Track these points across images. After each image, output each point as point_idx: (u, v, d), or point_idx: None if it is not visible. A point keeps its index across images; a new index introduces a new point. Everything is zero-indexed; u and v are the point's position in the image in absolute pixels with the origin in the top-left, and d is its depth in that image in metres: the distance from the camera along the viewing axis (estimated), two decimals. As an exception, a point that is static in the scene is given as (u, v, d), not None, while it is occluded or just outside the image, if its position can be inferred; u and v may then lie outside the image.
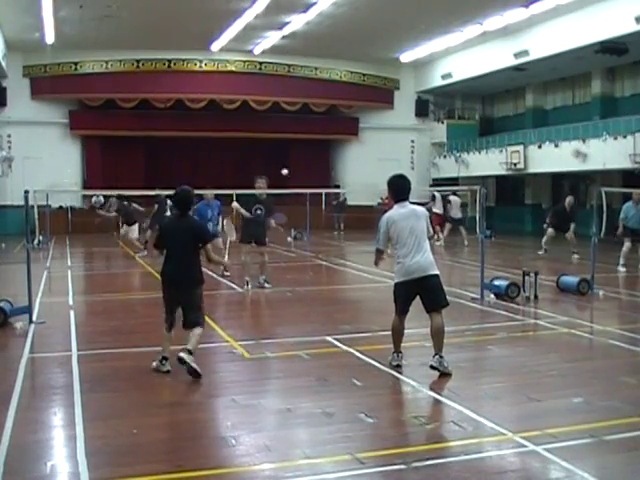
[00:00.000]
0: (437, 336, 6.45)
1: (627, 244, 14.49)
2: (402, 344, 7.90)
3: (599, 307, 10.63)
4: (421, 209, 6.70)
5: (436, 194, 21.99)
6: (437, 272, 6.49)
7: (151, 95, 28.50)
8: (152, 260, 17.02)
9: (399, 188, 6.62)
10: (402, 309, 6.62)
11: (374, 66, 30.70)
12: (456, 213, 21.40)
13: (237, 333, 8.30)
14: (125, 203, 18.73)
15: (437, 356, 6.37)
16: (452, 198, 21.62)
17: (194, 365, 6.24)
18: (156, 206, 19.12)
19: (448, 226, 21.36)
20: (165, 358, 6.52)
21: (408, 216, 6.46)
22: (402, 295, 6.55)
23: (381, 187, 25.05)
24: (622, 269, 14.12)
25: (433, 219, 22.18)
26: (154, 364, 6.53)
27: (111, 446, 4.71)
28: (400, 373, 6.49)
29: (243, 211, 11.95)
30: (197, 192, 13.98)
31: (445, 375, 6.31)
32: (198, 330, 6.52)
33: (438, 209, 21.63)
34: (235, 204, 12.29)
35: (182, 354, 6.25)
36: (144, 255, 17.58)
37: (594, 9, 21.01)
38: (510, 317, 9.41)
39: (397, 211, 6.53)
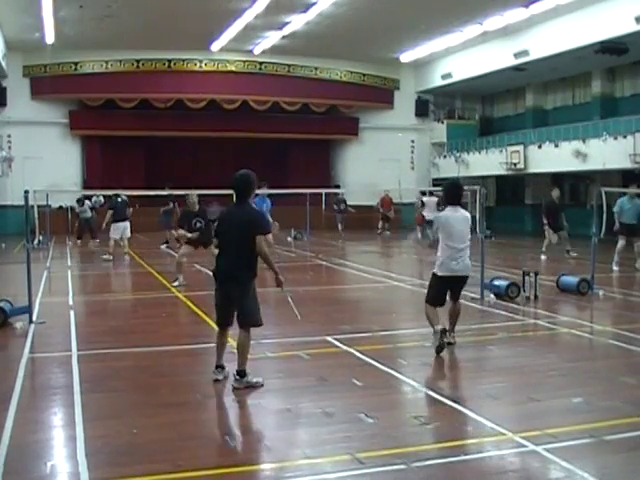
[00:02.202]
0: (454, 317, 7.60)
1: (621, 242, 14.50)
2: (402, 344, 7.91)
3: (599, 307, 10.63)
4: (468, 215, 7.54)
5: (424, 199, 21.81)
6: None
7: (151, 95, 28.49)
8: (152, 260, 17.06)
9: (452, 194, 7.57)
10: (435, 300, 7.45)
11: (374, 66, 30.70)
12: (428, 214, 20.58)
13: (237, 333, 8.27)
14: (119, 199, 17.64)
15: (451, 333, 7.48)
16: (426, 199, 21.34)
17: (254, 382, 5.97)
18: (171, 205, 19.11)
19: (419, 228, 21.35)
20: (219, 367, 6.17)
21: (460, 220, 7.36)
22: (438, 287, 7.40)
23: (381, 187, 25.15)
24: (615, 267, 14.15)
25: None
26: (212, 375, 6.18)
27: (111, 446, 4.71)
28: (401, 373, 6.48)
29: (190, 235, 12.33)
30: (199, 192, 14.17)
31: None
32: (247, 336, 6.10)
33: (428, 213, 21.52)
34: (181, 232, 12.54)
35: (234, 384, 5.96)
36: (109, 259, 16.82)
37: (594, 9, 21.00)
38: (510, 317, 9.41)
39: (451, 214, 7.41)
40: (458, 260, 7.23)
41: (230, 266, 6.03)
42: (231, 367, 6.17)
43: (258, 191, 12.10)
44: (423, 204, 21.64)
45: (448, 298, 7.46)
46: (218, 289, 6.14)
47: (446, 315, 7.54)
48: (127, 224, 17.54)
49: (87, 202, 21.48)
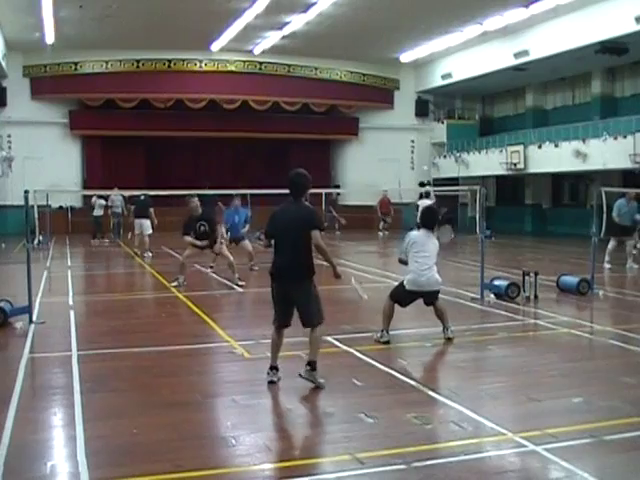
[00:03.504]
0: (440, 316, 7.98)
1: (613, 242, 14.60)
2: (402, 344, 7.91)
3: (599, 307, 10.63)
4: (437, 244, 7.99)
5: (419, 203, 21.47)
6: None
7: (151, 95, 28.49)
8: (153, 260, 17.07)
9: (427, 218, 8.15)
10: (398, 301, 8.07)
11: (374, 66, 30.69)
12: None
13: (237, 333, 8.30)
14: (142, 197, 18.50)
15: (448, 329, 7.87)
16: (420, 202, 20.69)
17: (318, 382, 5.94)
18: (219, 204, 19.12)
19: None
20: (274, 368, 6.13)
21: (430, 244, 7.85)
22: (404, 295, 7.93)
23: (381, 187, 25.13)
24: (607, 265, 14.19)
25: None
26: (267, 377, 6.11)
27: (111, 446, 4.71)
28: (401, 373, 6.48)
29: (199, 244, 12.48)
30: (198, 193, 14.18)
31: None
32: (317, 332, 6.09)
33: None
34: (188, 239, 12.54)
35: (302, 372, 5.98)
36: (150, 257, 17.51)
37: (594, 9, 21.00)
38: (510, 317, 9.41)
39: (423, 235, 7.89)
40: (426, 276, 7.66)
41: (288, 265, 6.02)
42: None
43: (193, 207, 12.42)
44: (417, 208, 21.31)
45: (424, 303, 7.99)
46: (276, 289, 6.14)
47: (429, 339, 7.90)
48: (143, 221, 18.16)
49: (101, 201, 21.95)
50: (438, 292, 7.95)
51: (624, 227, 14.46)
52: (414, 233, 8.03)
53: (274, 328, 6.23)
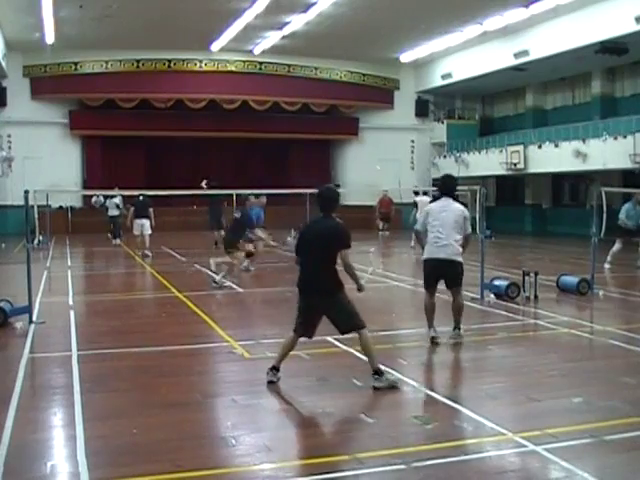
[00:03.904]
0: (455, 311, 7.82)
1: (618, 245, 14.58)
2: (402, 344, 7.90)
3: (599, 307, 10.63)
4: (461, 208, 7.81)
5: (417, 199, 21.50)
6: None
7: (151, 95, 28.50)
8: (153, 260, 17.06)
9: (445, 185, 7.95)
10: (426, 284, 7.96)
11: (374, 66, 30.70)
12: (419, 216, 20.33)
13: (237, 333, 8.30)
14: (140, 197, 18.56)
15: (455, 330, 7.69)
16: (419, 198, 20.55)
17: (392, 382, 5.95)
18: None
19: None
20: (275, 368, 6.10)
21: (448, 211, 7.65)
22: (426, 270, 7.91)
23: (381, 187, 25.15)
24: (607, 266, 14.18)
25: None
26: (267, 376, 6.09)
27: (111, 446, 4.71)
28: (401, 373, 6.48)
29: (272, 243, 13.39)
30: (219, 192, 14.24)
31: (456, 373, 6.53)
32: (362, 338, 6.05)
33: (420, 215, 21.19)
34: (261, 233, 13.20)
35: (374, 384, 5.91)
36: (149, 257, 17.48)
37: (594, 9, 21.01)
38: (510, 317, 9.41)
39: (441, 203, 7.79)
40: (440, 246, 7.50)
41: (315, 280, 6.04)
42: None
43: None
44: (416, 205, 21.33)
45: (449, 294, 7.82)
46: (303, 302, 6.12)
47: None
48: (144, 221, 18.24)
49: (115, 200, 22.09)
50: (459, 271, 7.62)
51: (630, 230, 14.51)
52: (432, 204, 7.95)
53: (292, 334, 6.16)
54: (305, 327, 6.12)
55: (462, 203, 7.81)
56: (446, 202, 7.72)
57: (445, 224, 7.51)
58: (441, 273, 7.66)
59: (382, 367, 6.04)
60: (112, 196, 22.14)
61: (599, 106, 25.87)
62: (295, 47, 26.93)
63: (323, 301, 6.02)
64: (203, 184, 19.16)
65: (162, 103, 28.60)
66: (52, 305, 10.56)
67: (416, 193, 22.11)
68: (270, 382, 6.04)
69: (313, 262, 6.05)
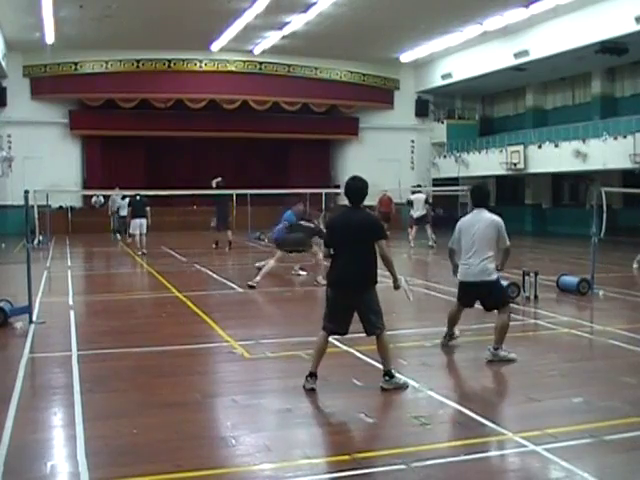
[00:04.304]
0: (496, 330, 7.14)
1: None
2: (402, 344, 7.89)
3: (599, 307, 10.63)
4: (492, 218, 7.13)
5: (412, 198, 21.79)
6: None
7: (151, 95, 28.49)
8: (153, 260, 17.07)
9: (476, 196, 7.39)
10: (459, 299, 7.51)
11: (374, 66, 30.69)
12: (415, 212, 20.62)
13: (237, 333, 8.30)
14: (137, 197, 18.86)
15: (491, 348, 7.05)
16: (414, 197, 21.15)
17: (401, 384, 5.94)
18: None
19: (415, 227, 20.85)
20: (313, 375, 5.89)
21: (476, 223, 7.07)
22: (459, 288, 7.44)
23: (381, 187, 25.25)
24: (635, 265, 14.20)
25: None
26: (306, 384, 5.90)
27: (111, 446, 4.71)
28: (401, 373, 6.48)
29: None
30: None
31: (456, 373, 6.53)
32: (384, 336, 6.01)
33: (415, 212, 21.61)
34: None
35: (383, 385, 5.91)
36: (143, 255, 17.64)
37: (594, 9, 21.00)
38: (510, 317, 9.39)
39: (470, 217, 7.21)
40: (469, 263, 7.01)
41: (353, 274, 5.89)
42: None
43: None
44: (410, 203, 21.50)
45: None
46: (337, 298, 5.96)
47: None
48: (142, 221, 18.46)
49: (125, 200, 22.19)
50: (492, 291, 7.05)
51: None
52: (463, 218, 7.36)
53: (323, 334, 6.03)
54: (341, 325, 5.98)
55: (498, 213, 7.24)
56: (477, 214, 7.13)
57: (475, 240, 6.98)
58: (475, 296, 7.22)
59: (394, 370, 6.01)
60: (124, 196, 22.22)
61: (599, 106, 25.87)
62: (295, 47, 26.92)
63: (360, 296, 5.89)
64: (213, 183, 19.18)
65: (162, 103, 28.59)
66: (52, 305, 10.55)
67: (413, 192, 22.21)
68: (311, 389, 5.83)
69: (351, 256, 5.88)
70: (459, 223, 7.23)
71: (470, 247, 6.98)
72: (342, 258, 5.94)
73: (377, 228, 5.98)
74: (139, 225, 18.41)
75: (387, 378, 5.93)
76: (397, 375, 6.02)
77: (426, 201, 20.73)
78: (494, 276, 6.99)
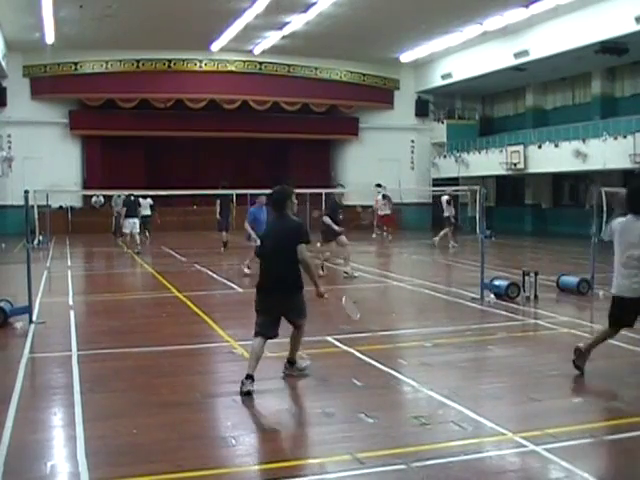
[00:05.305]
0: None
1: None
2: (402, 344, 7.88)
3: (599, 307, 10.58)
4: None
5: (379, 198, 22.36)
6: None
7: (151, 95, 28.49)
8: (153, 260, 17.07)
9: (636, 200, 6.24)
10: (614, 321, 6.31)
11: (374, 66, 30.69)
12: (445, 213, 20.87)
13: (237, 333, 8.29)
14: (132, 197, 19.19)
15: None
16: (442, 198, 21.28)
17: (302, 367, 6.36)
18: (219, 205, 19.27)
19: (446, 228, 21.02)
20: (250, 377, 5.84)
21: (634, 230, 6.11)
22: (613, 307, 6.30)
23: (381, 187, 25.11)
24: None
25: (381, 220, 22.55)
26: (243, 387, 5.77)
27: (111, 446, 4.71)
28: (401, 373, 6.48)
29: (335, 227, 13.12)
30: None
31: (456, 373, 6.41)
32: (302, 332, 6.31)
33: (384, 210, 22.40)
34: (327, 219, 13.17)
35: (286, 371, 6.37)
36: (139, 252, 17.75)
37: (594, 9, 21.00)
38: (510, 317, 9.40)
39: (626, 223, 6.20)
40: (629, 277, 6.05)
41: (277, 278, 6.05)
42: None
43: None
44: (385, 197, 21.88)
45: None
46: (264, 301, 6.11)
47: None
48: (135, 220, 19.01)
49: (148, 200, 22.17)
50: None
51: None
52: (617, 221, 6.30)
53: (259, 339, 6.07)
54: (271, 328, 6.12)
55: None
56: (636, 220, 6.09)
57: (633, 248, 6.06)
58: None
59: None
60: (144, 196, 22.23)
61: (599, 106, 25.86)
62: (295, 47, 26.92)
63: (287, 298, 6.12)
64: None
65: (162, 103, 28.60)
66: (52, 305, 10.56)
67: (378, 185, 22.36)
68: (247, 393, 5.72)
69: (277, 261, 6.05)
70: (613, 226, 6.30)
71: (632, 258, 6.04)
72: (270, 264, 6.18)
73: (300, 232, 6.10)
74: (132, 225, 18.82)
75: (288, 365, 6.38)
76: (300, 361, 6.44)
77: (448, 202, 20.70)
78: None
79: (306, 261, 6.03)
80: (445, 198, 20.83)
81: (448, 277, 14.75)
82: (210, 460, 4.47)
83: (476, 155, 28.82)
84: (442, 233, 20.77)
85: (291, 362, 6.38)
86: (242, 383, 5.79)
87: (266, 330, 6.07)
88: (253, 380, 5.84)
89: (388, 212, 23.06)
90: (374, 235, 23.68)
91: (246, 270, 13.51)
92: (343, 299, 6.57)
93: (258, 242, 13.02)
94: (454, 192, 22.79)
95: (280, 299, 6.06)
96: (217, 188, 18.46)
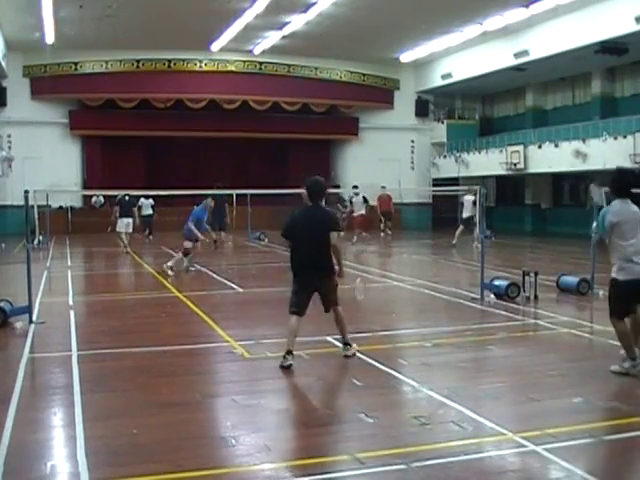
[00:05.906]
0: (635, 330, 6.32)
1: None
2: (402, 344, 7.87)
3: (599, 307, 10.58)
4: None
5: (354, 199, 22.47)
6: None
7: (151, 95, 28.49)
8: (153, 260, 17.07)
9: (621, 183, 6.29)
10: (619, 310, 6.26)
11: (374, 66, 30.69)
12: (464, 213, 20.76)
13: (237, 333, 8.30)
14: (126, 197, 19.26)
15: None
16: (465, 198, 21.05)
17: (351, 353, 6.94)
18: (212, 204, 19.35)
19: (461, 227, 20.81)
20: (290, 352, 6.58)
21: (632, 214, 6.17)
22: (618, 294, 6.23)
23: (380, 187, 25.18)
24: None
25: (356, 221, 22.45)
26: (283, 361, 6.54)
27: (111, 446, 4.71)
28: (401, 373, 6.48)
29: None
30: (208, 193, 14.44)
31: (456, 373, 6.45)
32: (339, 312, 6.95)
33: (359, 211, 22.34)
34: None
35: (346, 353, 6.97)
36: (127, 253, 17.96)
37: (594, 9, 21.00)
38: (510, 317, 9.40)
39: (621, 207, 6.18)
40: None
41: (310, 261, 6.73)
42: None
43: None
44: (461, 204, 21.42)
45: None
46: (298, 281, 6.84)
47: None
48: (129, 220, 19.09)
49: (149, 200, 22.25)
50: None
51: None
52: (610, 208, 6.24)
53: (295, 317, 6.74)
54: (304, 306, 6.80)
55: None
56: (628, 204, 6.13)
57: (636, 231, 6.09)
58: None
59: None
60: (146, 196, 22.33)
61: (599, 106, 25.86)
62: (295, 47, 26.92)
63: (320, 279, 6.82)
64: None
65: (162, 103, 28.60)
66: (52, 305, 10.56)
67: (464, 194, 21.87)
68: (287, 366, 6.42)
69: (310, 246, 6.71)
70: (609, 212, 6.20)
71: (634, 237, 6.04)
72: (301, 248, 6.88)
73: (333, 221, 6.97)
74: (126, 224, 18.97)
75: (347, 346, 6.98)
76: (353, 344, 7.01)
77: (474, 202, 20.51)
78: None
79: (337, 246, 6.81)
80: (471, 198, 20.51)
81: (448, 277, 14.74)
82: (210, 460, 4.46)
83: (476, 155, 28.82)
84: (458, 232, 20.65)
85: (345, 344, 6.99)
86: (284, 357, 6.51)
87: (299, 308, 6.74)
88: (293, 355, 6.54)
89: (363, 212, 22.76)
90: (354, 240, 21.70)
91: (170, 272, 13.71)
92: (358, 279, 7.21)
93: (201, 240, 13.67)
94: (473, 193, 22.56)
95: (313, 277, 6.77)
96: (219, 188, 18.54)
